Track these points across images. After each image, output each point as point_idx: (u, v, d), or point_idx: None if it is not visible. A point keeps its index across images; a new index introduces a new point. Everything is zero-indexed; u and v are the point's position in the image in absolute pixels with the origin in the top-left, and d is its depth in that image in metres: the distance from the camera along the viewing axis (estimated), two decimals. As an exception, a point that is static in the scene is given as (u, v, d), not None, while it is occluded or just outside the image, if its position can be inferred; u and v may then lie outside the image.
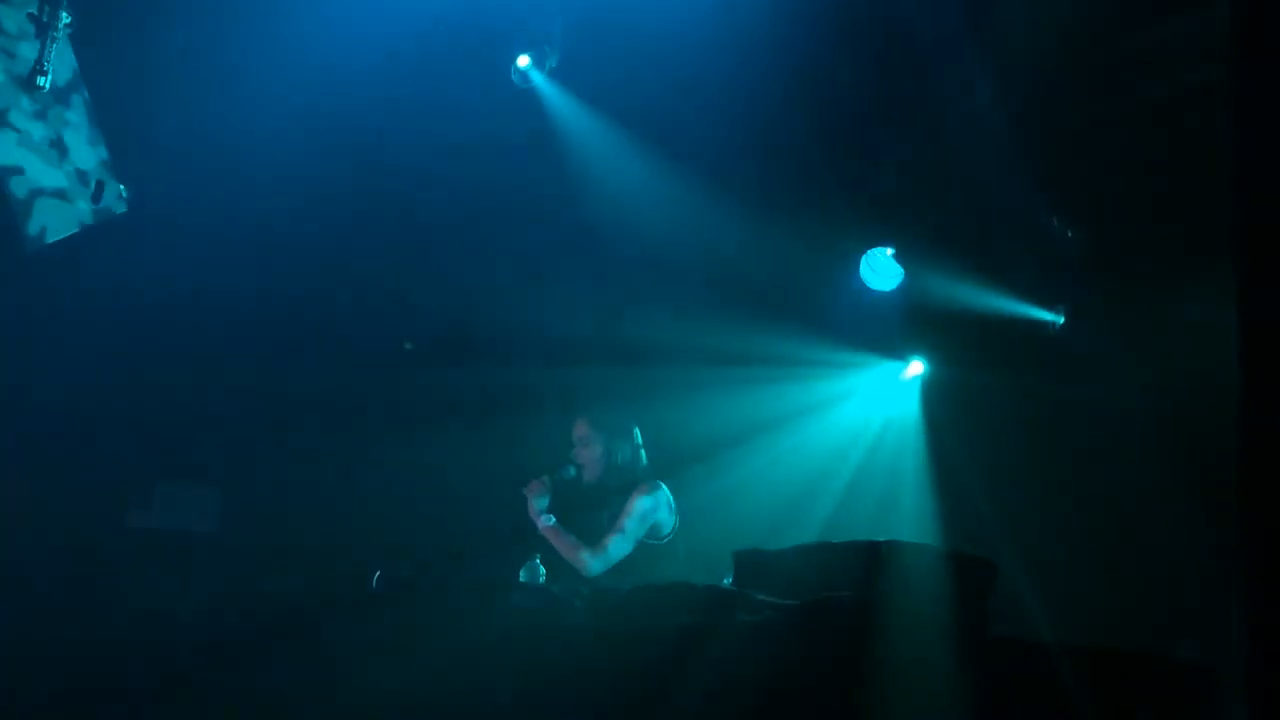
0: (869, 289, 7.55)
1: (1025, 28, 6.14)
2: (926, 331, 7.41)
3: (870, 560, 4.27)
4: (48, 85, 5.92)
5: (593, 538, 5.73)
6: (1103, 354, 6.70)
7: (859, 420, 7.63)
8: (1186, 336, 6.02)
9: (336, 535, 6.69)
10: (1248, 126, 2.47)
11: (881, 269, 7.50)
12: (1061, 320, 7.03)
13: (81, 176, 6.23)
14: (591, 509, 5.89)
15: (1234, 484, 2.55)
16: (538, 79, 7.11)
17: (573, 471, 5.93)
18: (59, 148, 6.13)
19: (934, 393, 7.46)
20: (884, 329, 7.51)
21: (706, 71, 6.83)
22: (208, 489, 6.87)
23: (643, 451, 5.99)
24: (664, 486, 5.89)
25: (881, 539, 4.43)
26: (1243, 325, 2.48)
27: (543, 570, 5.52)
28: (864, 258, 7.53)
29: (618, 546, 5.69)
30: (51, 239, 6.15)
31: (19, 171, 6.03)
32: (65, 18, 5.94)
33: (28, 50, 5.90)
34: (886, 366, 7.62)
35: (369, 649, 4.54)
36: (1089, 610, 6.30)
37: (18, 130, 6.03)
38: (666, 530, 5.85)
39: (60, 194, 6.16)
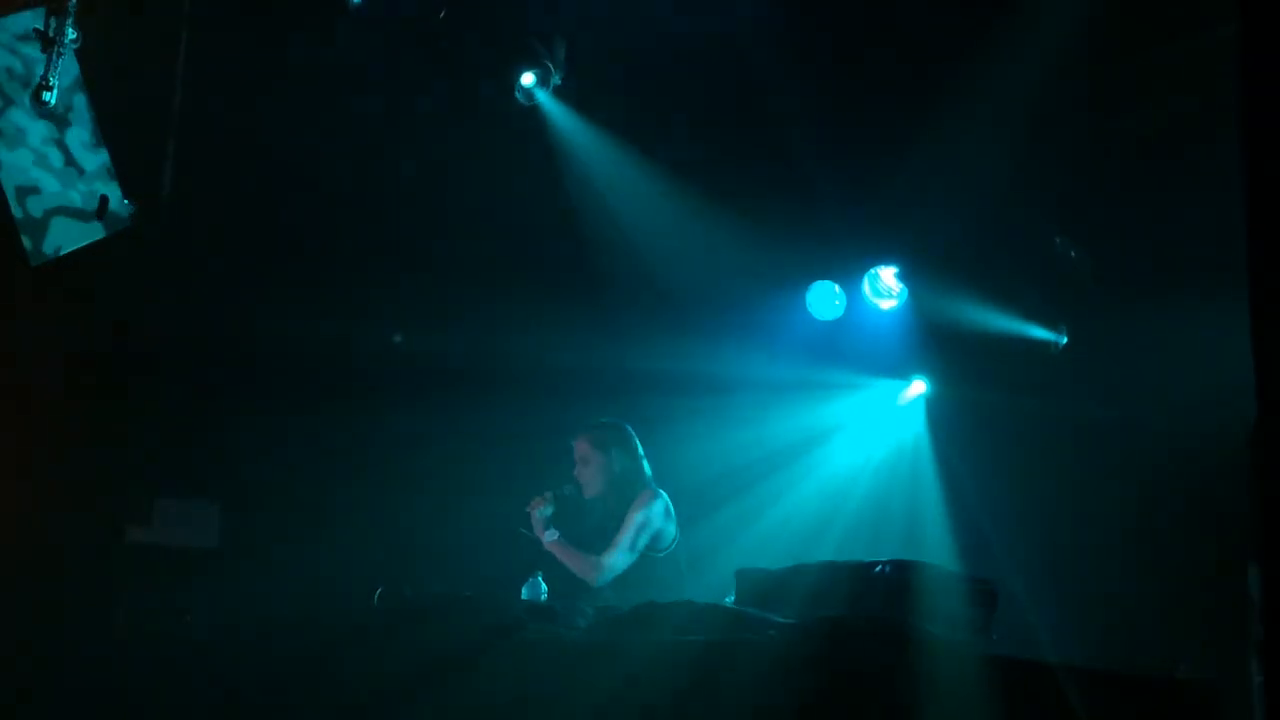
0: (872, 310, 7.55)
1: (1032, 46, 6.16)
2: (930, 351, 7.41)
3: (872, 579, 4.26)
4: (53, 100, 5.92)
5: (596, 552, 5.73)
6: (1106, 372, 6.71)
7: (861, 440, 7.62)
8: (1191, 355, 6.03)
9: (337, 552, 6.67)
10: (1259, 140, 2.46)
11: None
12: (1065, 340, 7.04)
13: (91, 193, 6.24)
14: (594, 524, 5.89)
15: (1249, 501, 2.53)
16: (542, 97, 7.14)
17: (573, 489, 5.93)
18: (73, 164, 6.14)
19: (937, 412, 7.45)
20: (887, 349, 7.51)
21: (708, 85, 6.85)
22: (208, 505, 6.85)
23: (645, 462, 5.98)
24: (664, 495, 5.89)
25: (884, 558, 4.41)
26: (1257, 342, 2.46)
27: (544, 587, 5.52)
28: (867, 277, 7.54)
29: (620, 559, 5.70)
30: (63, 253, 6.18)
31: (35, 191, 6.05)
32: (71, 33, 5.94)
33: (52, 79, 5.90)
34: (889, 386, 7.62)
35: (370, 666, 4.52)
36: (1093, 629, 6.29)
37: (34, 150, 6.04)
38: (669, 539, 5.85)
39: (75, 212, 6.17)
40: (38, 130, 6.06)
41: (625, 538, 5.72)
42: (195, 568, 6.59)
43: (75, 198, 6.17)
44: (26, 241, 6.03)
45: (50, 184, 6.08)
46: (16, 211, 6.02)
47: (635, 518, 5.76)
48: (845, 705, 3.83)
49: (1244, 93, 2.55)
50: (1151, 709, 4.01)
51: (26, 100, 5.94)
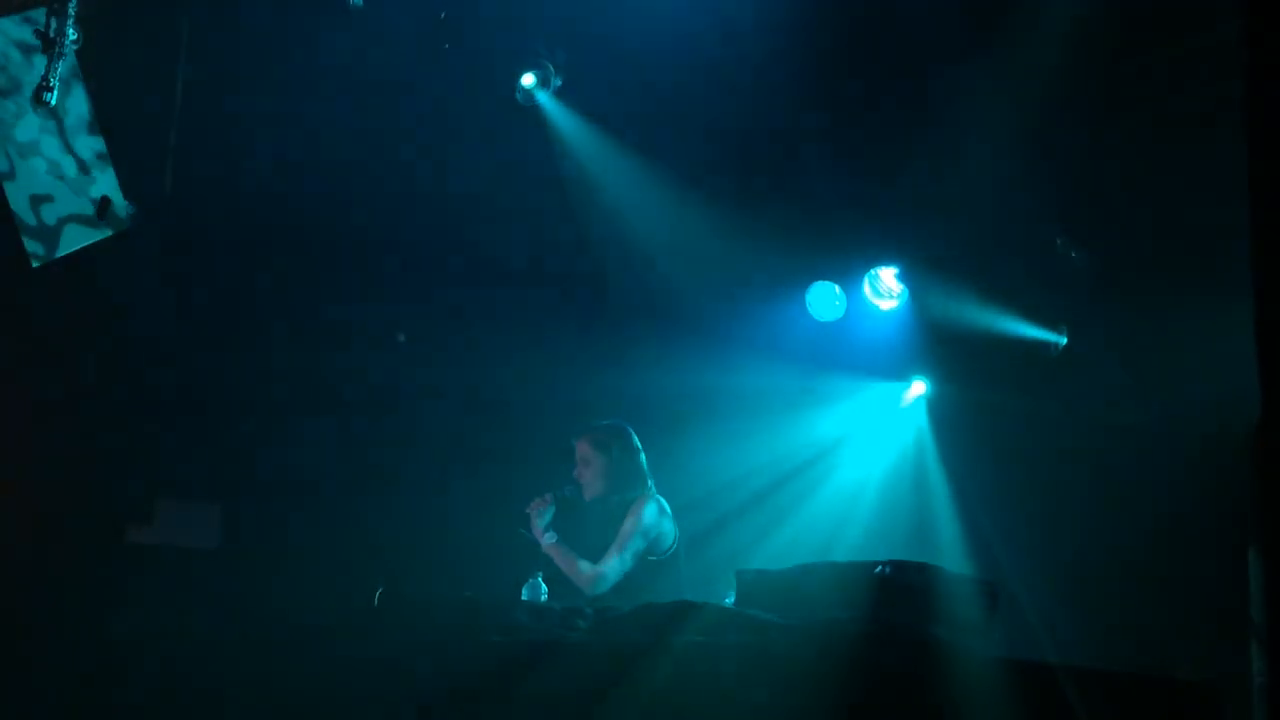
0: (872, 310, 7.55)
1: (1032, 47, 6.16)
2: (930, 352, 7.40)
3: (873, 580, 4.25)
4: (54, 100, 5.92)
5: (595, 555, 5.72)
6: (1107, 373, 6.71)
7: (865, 443, 7.61)
8: (1191, 355, 6.03)
9: (337, 552, 6.68)
10: (1262, 140, 2.46)
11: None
12: (1065, 340, 7.04)
13: (96, 195, 6.26)
14: (594, 526, 5.88)
15: (1250, 501, 2.52)
16: (542, 98, 7.13)
17: (574, 490, 5.92)
18: (82, 170, 6.16)
19: (938, 413, 7.45)
20: (887, 350, 7.50)
21: (708, 86, 6.85)
22: (208, 506, 6.86)
23: (644, 460, 5.97)
24: (659, 498, 5.87)
25: (884, 559, 4.41)
26: (1261, 342, 2.46)
27: (545, 588, 5.51)
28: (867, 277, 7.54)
29: (620, 563, 5.68)
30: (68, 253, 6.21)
31: (49, 199, 6.08)
32: (72, 34, 5.95)
33: (53, 79, 5.90)
34: (890, 388, 7.62)
35: (370, 667, 4.52)
36: (1095, 629, 6.29)
37: (47, 158, 6.07)
38: (669, 541, 5.84)
39: (86, 219, 6.20)
40: (48, 136, 6.08)
41: (623, 546, 5.71)
42: (195, 568, 6.60)
43: (86, 204, 6.19)
44: (36, 247, 6.06)
45: (63, 192, 6.11)
46: (30, 219, 6.04)
47: (629, 524, 5.74)
48: (845, 705, 3.83)
49: (1247, 92, 2.55)
50: (1151, 709, 4.01)
51: (34, 105, 5.96)
